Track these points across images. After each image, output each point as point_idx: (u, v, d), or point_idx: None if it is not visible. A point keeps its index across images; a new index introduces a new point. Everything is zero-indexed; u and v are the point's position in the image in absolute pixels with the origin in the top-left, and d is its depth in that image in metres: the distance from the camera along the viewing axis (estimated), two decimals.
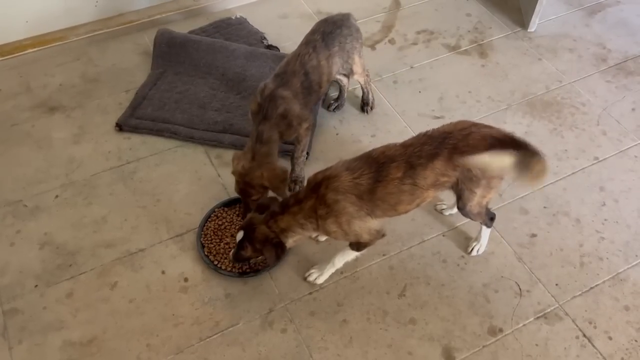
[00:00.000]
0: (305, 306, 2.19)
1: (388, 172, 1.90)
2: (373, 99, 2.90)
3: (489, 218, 2.23)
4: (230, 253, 2.17)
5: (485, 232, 2.30)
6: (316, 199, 1.94)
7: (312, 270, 2.25)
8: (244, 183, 2.25)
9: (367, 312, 2.18)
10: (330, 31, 2.51)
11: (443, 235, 2.41)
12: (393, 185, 1.91)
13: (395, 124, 2.87)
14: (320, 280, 2.23)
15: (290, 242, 2.03)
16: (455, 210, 2.44)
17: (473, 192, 1.99)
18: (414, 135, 2.03)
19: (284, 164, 2.61)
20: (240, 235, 2.05)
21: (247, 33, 3.29)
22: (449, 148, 1.90)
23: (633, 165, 2.70)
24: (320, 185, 1.94)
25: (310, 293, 2.23)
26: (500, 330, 2.14)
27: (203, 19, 3.42)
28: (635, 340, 2.13)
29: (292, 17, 3.35)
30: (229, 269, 2.25)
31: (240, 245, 2.05)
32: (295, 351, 2.07)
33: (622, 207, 2.52)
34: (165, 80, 3.00)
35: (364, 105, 2.91)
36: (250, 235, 2.02)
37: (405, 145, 1.96)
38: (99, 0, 3.23)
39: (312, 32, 2.54)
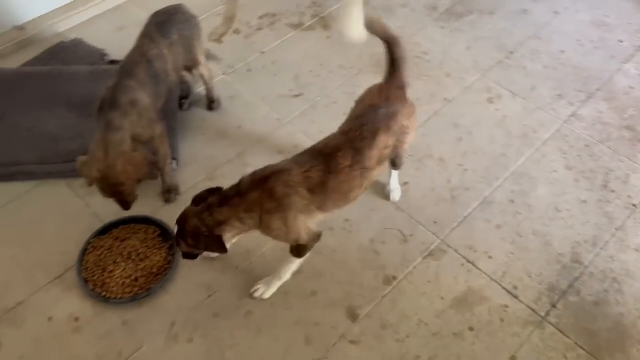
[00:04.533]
0: (207, 310, 2.17)
1: (337, 162, 1.90)
2: (219, 96, 2.86)
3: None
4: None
5: (395, 174, 2.44)
6: (262, 192, 1.85)
7: (259, 286, 2.18)
8: (110, 186, 2.09)
9: (268, 298, 2.20)
10: (165, 20, 2.45)
11: None
12: (345, 174, 1.91)
13: (258, 111, 2.89)
14: (267, 295, 2.18)
15: (227, 236, 1.91)
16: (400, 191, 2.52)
17: (405, 143, 2.13)
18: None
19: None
20: (175, 229, 1.94)
21: (86, 53, 3.14)
22: (385, 119, 1.98)
23: (477, 98, 2.93)
24: (269, 178, 1.86)
25: (210, 296, 2.20)
26: (394, 278, 2.25)
27: (36, 48, 3.20)
28: (512, 253, 2.34)
29: (129, 28, 3.23)
30: (119, 296, 2.16)
31: (176, 240, 1.96)
32: (207, 356, 2.05)
33: (477, 138, 2.74)
34: (7, 121, 2.78)
35: (211, 103, 2.85)
36: (183, 229, 1.91)
37: (344, 132, 1.98)
38: None
39: (146, 25, 2.46)
